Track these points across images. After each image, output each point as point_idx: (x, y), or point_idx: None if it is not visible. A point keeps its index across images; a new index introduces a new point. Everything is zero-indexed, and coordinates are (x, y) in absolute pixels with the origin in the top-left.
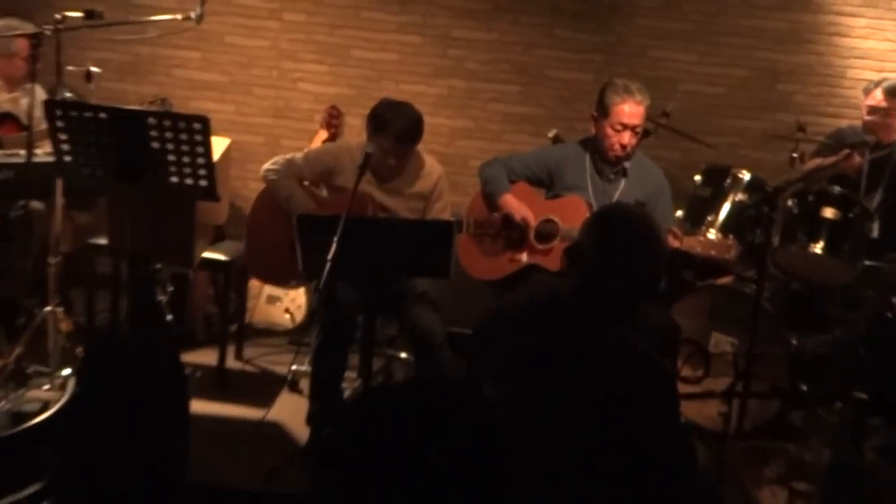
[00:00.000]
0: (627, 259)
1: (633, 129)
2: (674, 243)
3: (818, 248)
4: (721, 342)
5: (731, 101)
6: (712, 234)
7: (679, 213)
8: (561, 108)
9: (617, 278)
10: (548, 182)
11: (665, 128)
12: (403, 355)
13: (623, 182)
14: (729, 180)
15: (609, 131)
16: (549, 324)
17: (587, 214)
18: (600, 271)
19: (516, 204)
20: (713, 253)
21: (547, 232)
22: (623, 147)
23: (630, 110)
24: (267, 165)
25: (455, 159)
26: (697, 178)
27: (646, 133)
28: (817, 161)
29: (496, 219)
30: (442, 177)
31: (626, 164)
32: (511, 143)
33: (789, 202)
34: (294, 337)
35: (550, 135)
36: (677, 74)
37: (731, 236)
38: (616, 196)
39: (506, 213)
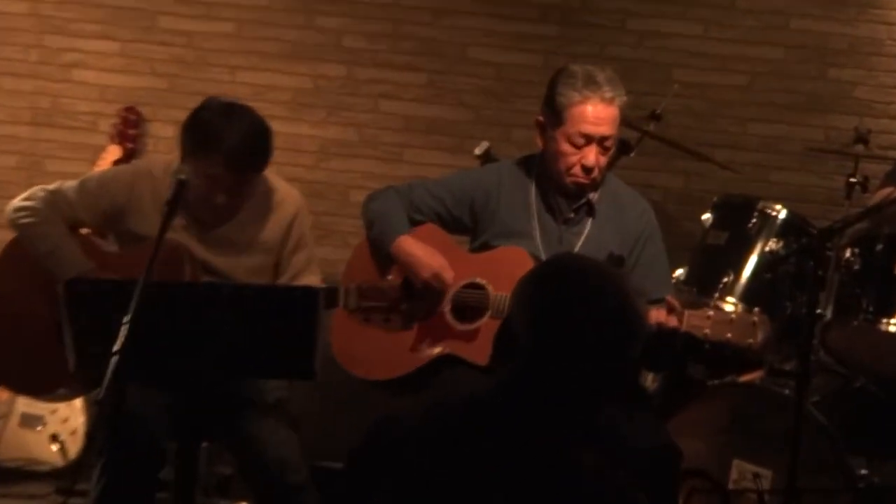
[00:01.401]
0: (581, 342)
1: (600, 141)
2: (668, 321)
3: (894, 324)
4: (745, 473)
5: (755, 96)
6: (729, 306)
7: (679, 271)
8: (493, 108)
9: (566, 372)
10: (471, 224)
11: (655, 138)
12: None
13: (589, 224)
14: (754, 220)
15: (564, 146)
16: (461, 445)
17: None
18: (539, 361)
19: (422, 253)
20: (730, 336)
21: (471, 303)
22: (587, 170)
23: (596, 113)
24: (17, 202)
25: (327, 190)
26: (706, 216)
27: (624, 147)
28: (888, 190)
29: (391, 283)
30: (303, 216)
31: (593, 197)
32: (415, 163)
33: (847, 253)
34: (62, 482)
35: (477, 151)
36: (672, 56)
37: (756, 308)
38: (578, 246)
39: (409, 269)
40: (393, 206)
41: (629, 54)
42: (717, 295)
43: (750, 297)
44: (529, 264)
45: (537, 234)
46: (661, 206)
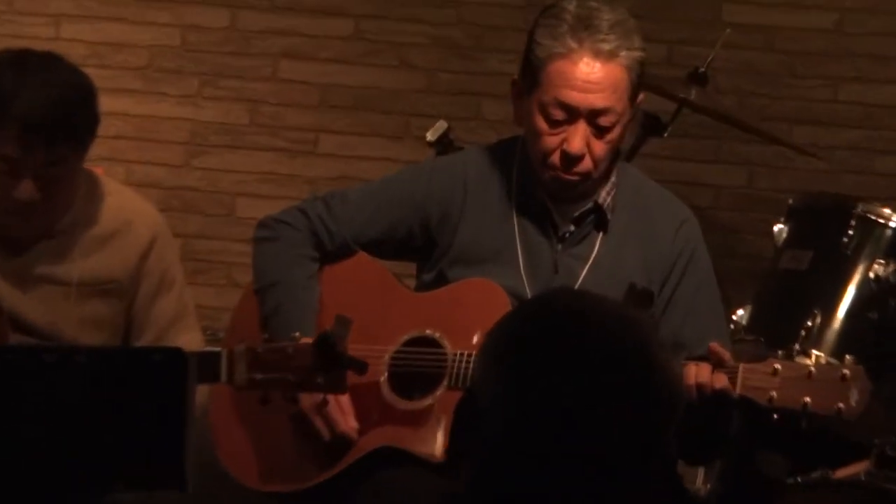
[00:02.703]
0: (583, 429)
1: (591, 118)
2: (714, 381)
3: None
4: None
5: (849, 44)
6: (812, 361)
7: (739, 312)
8: (453, 70)
9: (559, 473)
10: (422, 244)
11: (698, 111)
12: None
13: (599, 243)
14: (851, 231)
15: (539, 122)
16: None
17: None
18: (519, 457)
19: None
20: (808, 400)
21: (418, 368)
22: (568, 161)
23: (584, 72)
24: None
25: (202, 201)
26: (779, 228)
27: (652, 125)
28: None
29: (300, 344)
30: (164, 242)
31: (604, 201)
32: (336, 156)
33: None
34: None
35: (430, 136)
36: None
37: (849, 357)
38: (582, 276)
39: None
40: (294, 230)
41: None
42: (796, 346)
43: (846, 347)
44: (504, 306)
45: (520, 257)
46: (711, 214)
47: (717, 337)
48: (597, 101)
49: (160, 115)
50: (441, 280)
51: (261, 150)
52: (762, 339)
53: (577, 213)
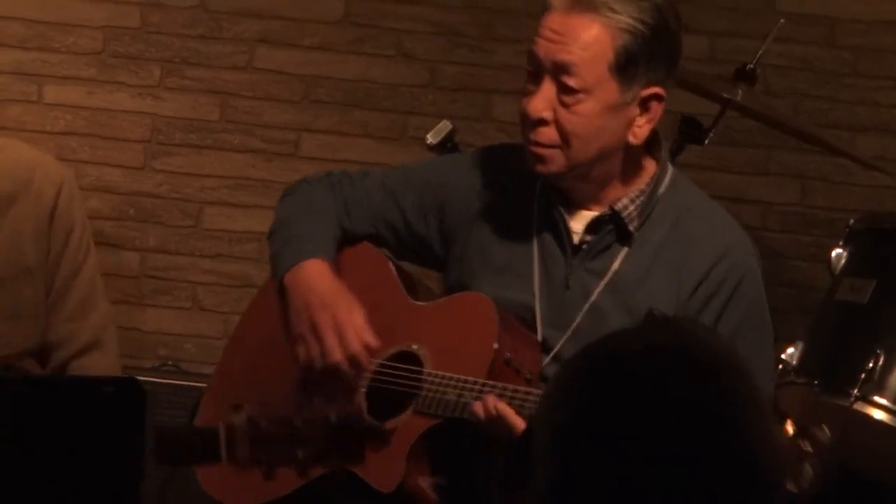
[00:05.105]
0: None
1: (556, 74)
2: None
3: None
4: None
5: None
6: (879, 412)
7: (790, 350)
8: (457, 62)
9: None
10: (439, 246)
11: (746, 115)
12: None
13: (620, 257)
14: None
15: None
16: None
17: (493, 339)
18: None
19: (334, 294)
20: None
21: (393, 385)
22: (528, 123)
23: (552, 21)
24: None
25: (164, 209)
26: (838, 253)
27: (691, 130)
28: None
29: (309, 419)
30: (70, 194)
31: (623, 206)
32: (321, 159)
33: None
34: None
35: (431, 138)
36: None
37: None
38: (594, 296)
39: (300, 329)
40: (314, 205)
41: None
42: (855, 391)
43: None
44: (492, 325)
45: (535, 268)
46: (757, 235)
47: (764, 381)
48: (558, 52)
49: (116, 108)
50: (460, 285)
51: (233, 152)
52: (816, 382)
53: (590, 219)
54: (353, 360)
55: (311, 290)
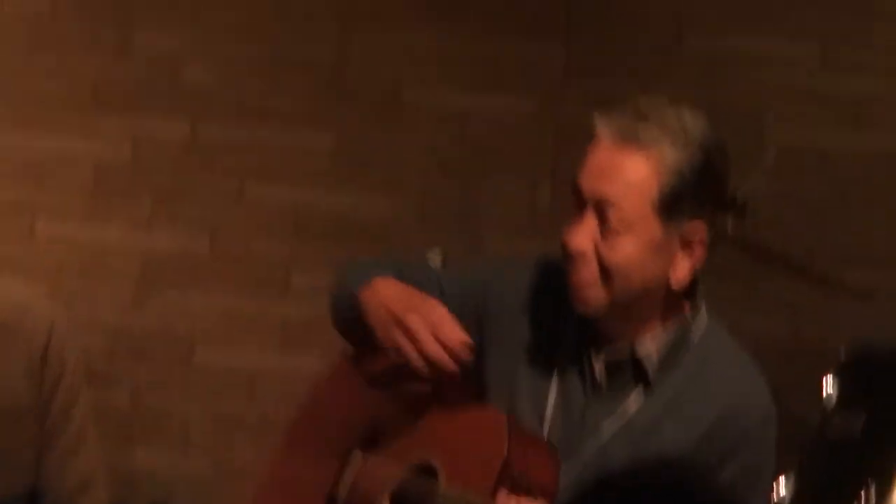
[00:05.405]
0: None
1: (601, 209)
2: None
3: None
4: None
5: None
6: None
7: (782, 481)
8: (448, 196)
9: None
10: (474, 336)
11: (736, 246)
12: None
13: (638, 398)
14: None
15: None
16: None
17: (500, 459)
18: None
19: (414, 296)
20: None
21: (412, 499)
22: (567, 257)
23: (600, 156)
24: None
25: (156, 347)
26: (829, 386)
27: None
28: None
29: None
30: (63, 337)
31: (646, 350)
32: (316, 295)
33: None
34: None
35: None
36: (768, 95)
37: None
38: (609, 435)
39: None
40: (375, 265)
41: (686, 88)
42: None
43: None
44: (501, 447)
45: (552, 396)
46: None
47: None
48: (601, 186)
49: (107, 244)
50: (482, 387)
51: (223, 287)
52: None
53: (612, 360)
54: (452, 355)
55: (392, 299)
